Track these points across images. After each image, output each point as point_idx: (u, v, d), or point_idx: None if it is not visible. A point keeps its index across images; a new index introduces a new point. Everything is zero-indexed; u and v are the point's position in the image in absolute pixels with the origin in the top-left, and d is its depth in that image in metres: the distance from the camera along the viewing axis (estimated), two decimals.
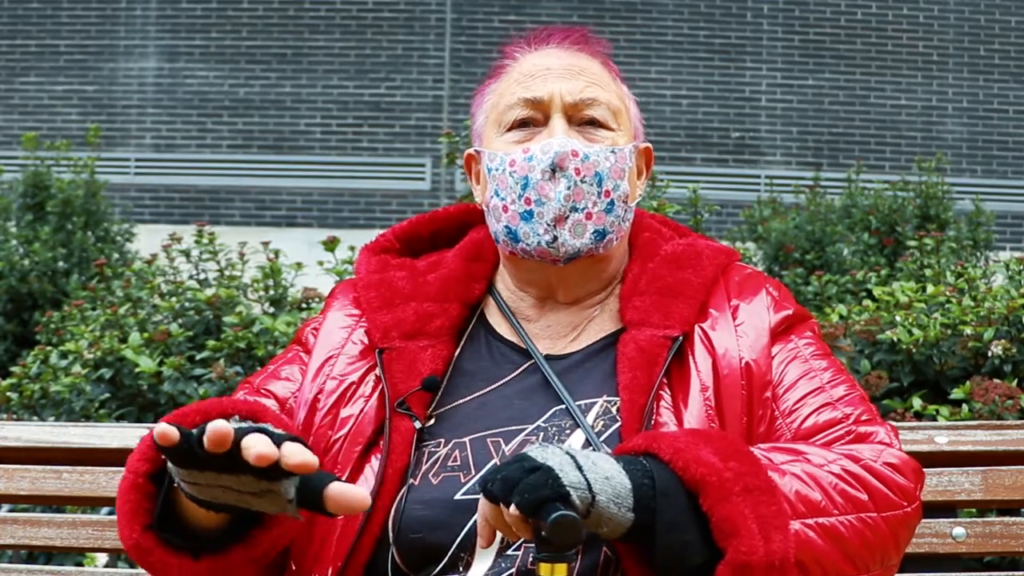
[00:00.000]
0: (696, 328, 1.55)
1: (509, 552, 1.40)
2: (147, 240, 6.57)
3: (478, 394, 1.56)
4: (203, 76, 9.74)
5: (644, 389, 1.48)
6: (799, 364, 1.55)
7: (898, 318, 3.25)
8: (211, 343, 3.43)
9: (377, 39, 9.75)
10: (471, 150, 1.68)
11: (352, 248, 3.57)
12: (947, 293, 3.40)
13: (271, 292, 3.89)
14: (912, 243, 4.60)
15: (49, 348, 3.73)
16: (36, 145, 6.50)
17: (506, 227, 1.57)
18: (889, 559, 1.41)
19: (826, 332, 3.10)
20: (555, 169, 1.53)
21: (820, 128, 9.82)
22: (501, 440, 1.49)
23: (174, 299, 3.82)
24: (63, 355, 3.63)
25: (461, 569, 1.41)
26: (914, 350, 3.15)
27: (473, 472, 1.46)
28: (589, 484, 1.25)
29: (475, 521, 1.38)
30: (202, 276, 4.31)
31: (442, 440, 1.51)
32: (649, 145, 1.70)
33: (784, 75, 9.82)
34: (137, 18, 9.78)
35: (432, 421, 1.53)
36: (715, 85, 9.79)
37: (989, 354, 3.09)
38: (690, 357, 1.53)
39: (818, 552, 1.33)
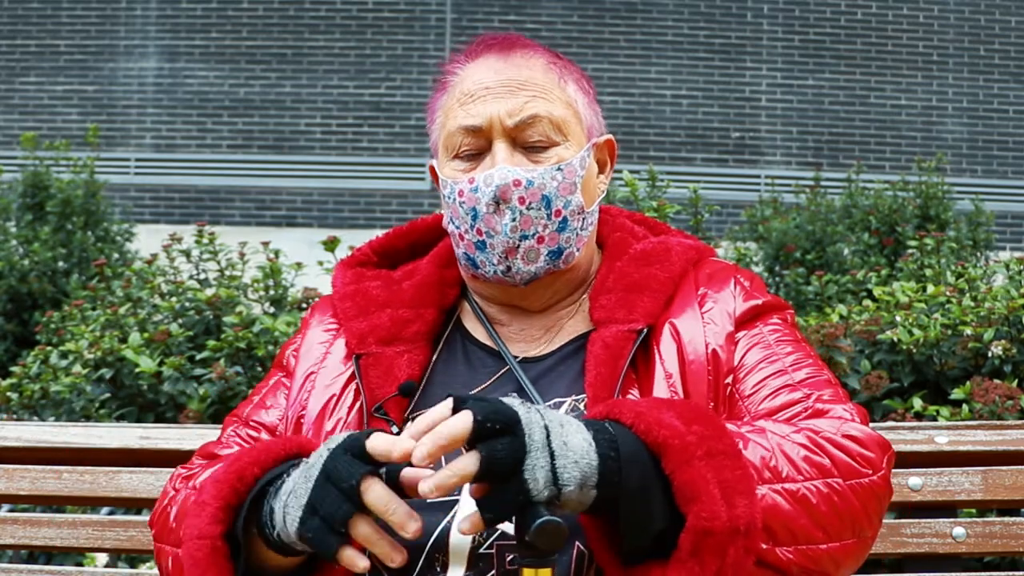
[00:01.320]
0: (667, 323, 1.55)
1: (482, 551, 1.40)
2: (147, 240, 6.58)
3: None
4: (203, 76, 9.73)
5: (608, 384, 1.48)
6: (761, 349, 1.55)
7: (898, 318, 3.25)
8: (211, 343, 3.43)
9: (377, 39, 9.75)
10: (432, 162, 1.69)
11: (352, 248, 3.57)
12: (947, 293, 3.40)
13: (271, 292, 3.89)
14: (912, 243, 4.60)
15: (49, 348, 3.73)
16: (35, 145, 6.49)
17: (464, 254, 1.60)
18: (862, 530, 1.38)
19: (826, 332, 3.10)
20: (499, 201, 1.54)
21: (820, 128, 9.82)
22: None
23: (174, 299, 3.82)
24: (63, 355, 3.63)
25: (439, 569, 1.41)
26: (914, 350, 3.15)
27: None
28: (556, 477, 1.22)
29: (448, 521, 1.40)
30: (202, 276, 4.31)
31: None
32: (610, 137, 1.69)
33: (784, 75, 9.82)
34: (137, 18, 9.78)
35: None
36: (715, 85, 9.79)
37: (989, 354, 3.09)
38: (655, 349, 1.53)
39: (786, 517, 1.31)
